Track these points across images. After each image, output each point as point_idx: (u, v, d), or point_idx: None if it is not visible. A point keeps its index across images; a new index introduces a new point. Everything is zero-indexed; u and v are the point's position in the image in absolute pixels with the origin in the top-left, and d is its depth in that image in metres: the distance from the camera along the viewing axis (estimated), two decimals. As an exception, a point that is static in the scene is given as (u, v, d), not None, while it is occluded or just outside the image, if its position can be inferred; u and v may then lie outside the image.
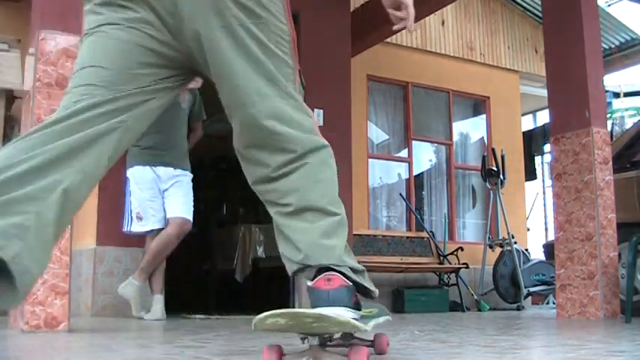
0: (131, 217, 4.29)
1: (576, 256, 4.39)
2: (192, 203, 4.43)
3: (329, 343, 1.55)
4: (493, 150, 7.16)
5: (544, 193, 10.27)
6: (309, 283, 1.49)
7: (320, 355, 1.46)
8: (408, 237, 7.01)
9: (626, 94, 10.47)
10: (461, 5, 7.97)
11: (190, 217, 4.35)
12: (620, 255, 4.41)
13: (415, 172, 7.62)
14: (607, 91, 9.04)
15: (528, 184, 8.80)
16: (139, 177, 4.29)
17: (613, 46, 8.71)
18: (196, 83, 4.36)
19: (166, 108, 1.64)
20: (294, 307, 5.06)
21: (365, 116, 7.16)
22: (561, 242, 4.51)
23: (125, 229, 4.33)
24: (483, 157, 7.34)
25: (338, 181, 1.65)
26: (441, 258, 6.79)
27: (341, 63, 5.79)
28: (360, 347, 1.41)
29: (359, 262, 1.62)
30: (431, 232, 7.11)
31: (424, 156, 7.86)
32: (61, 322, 2.95)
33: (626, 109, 10.25)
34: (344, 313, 1.43)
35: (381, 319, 1.65)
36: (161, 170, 4.32)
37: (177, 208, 4.30)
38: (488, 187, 7.17)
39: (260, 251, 6.61)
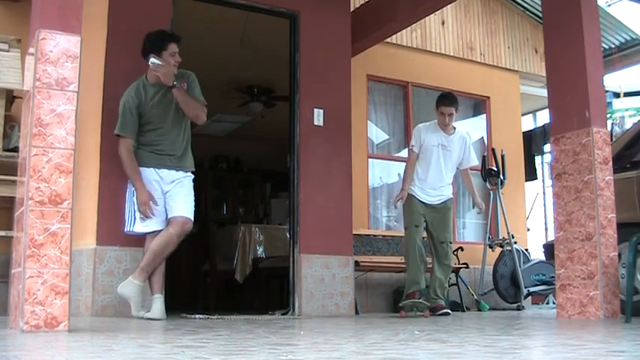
0: (134, 218, 4.29)
1: (576, 256, 4.39)
2: (194, 203, 4.44)
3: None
4: (493, 150, 7.15)
5: (544, 193, 10.26)
6: None
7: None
8: (408, 237, 7.00)
9: (626, 94, 10.44)
10: (461, 5, 7.96)
11: (192, 217, 4.37)
12: (620, 255, 4.41)
13: (415, 172, 7.60)
14: (607, 91, 9.03)
15: (528, 184, 8.79)
16: (143, 178, 4.30)
17: (613, 46, 8.69)
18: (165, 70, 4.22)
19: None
20: (293, 307, 5.08)
21: (365, 116, 7.15)
22: (561, 242, 4.51)
23: (127, 229, 4.33)
24: (483, 157, 7.33)
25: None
26: (441, 258, 6.78)
27: (341, 63, 5.79)
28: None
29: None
30: (431, 232, 7.10)
31: (424, 156, 7.84)
32: (61, 322, 2.95)
33: (626, 109, 10.24)
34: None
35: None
36: (164, 172, 4.36)
37: (178, 207, 4.32)
38: (488, 187, 7.16)
39: (260, 251, 6.61)
